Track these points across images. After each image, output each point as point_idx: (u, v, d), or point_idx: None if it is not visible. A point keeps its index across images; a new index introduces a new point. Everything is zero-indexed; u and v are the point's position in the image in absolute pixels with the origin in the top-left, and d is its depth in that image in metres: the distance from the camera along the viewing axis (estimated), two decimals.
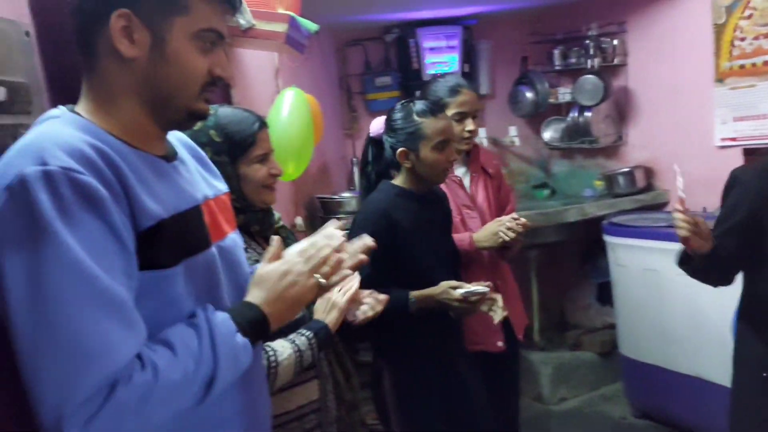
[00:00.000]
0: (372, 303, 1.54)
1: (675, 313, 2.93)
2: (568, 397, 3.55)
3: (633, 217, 3.28)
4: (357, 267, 1.09)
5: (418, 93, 3.64)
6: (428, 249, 1.91)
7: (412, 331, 1.88)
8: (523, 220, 2.08)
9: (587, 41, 3.65)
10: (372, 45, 3.91)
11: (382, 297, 1.57)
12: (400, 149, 1.87)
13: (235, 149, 1.38)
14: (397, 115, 1.90)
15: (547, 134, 4.03)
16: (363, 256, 1.12)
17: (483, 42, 3.99)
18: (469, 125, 2.16)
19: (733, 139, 3.15)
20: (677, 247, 2.84)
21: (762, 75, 2.99)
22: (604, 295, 3.78)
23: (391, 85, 3.86)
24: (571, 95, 3.73)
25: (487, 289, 1.85)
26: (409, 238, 1.85)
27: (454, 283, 1.85)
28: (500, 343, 2.19)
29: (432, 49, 3.76)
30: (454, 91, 2.14)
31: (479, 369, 2.06)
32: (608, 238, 3.25)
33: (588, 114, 3.71)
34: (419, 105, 1.90)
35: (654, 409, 3.17)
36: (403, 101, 1.95)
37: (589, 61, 3.63)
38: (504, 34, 4.05)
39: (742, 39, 3.07)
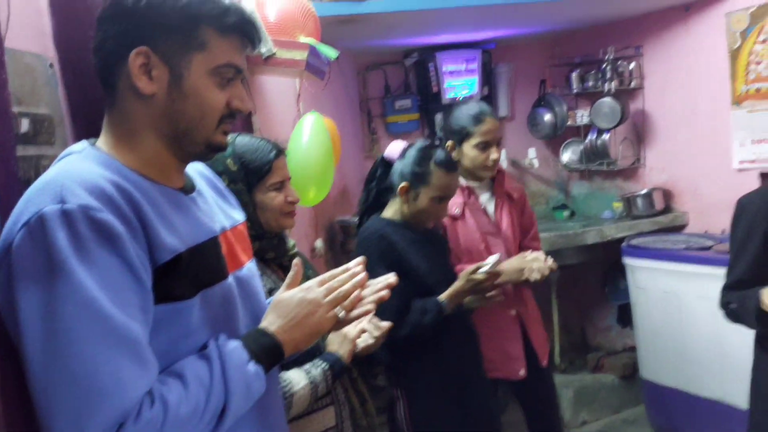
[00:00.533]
0: (370, 329, 1.54)
1: (696, 335, 2.92)
2: (590, 421, 3.52)
3: (652, 239, 3.28)
4: (378, 303, 1.10)
5: (439, 117, 3.75)
6: (432, 267, 1.95)
7: (427, 357, 1.91)
8: (550, 261, 2.08)
9: (604, 65, 3.68)
10: (392, 69, 3.99)
11: (384, 324, 1.56)
12: (403, 184, 1.91)
13: (251, 177, 1.41)
14: (416, 153, 1.94)
15: (566, 156, 4.05)
16: (385, 293, 1.12)
17: (502, 65, 4.04)
18: (494, 154, 2.16)
19: (752, 162, 3.14)
20: (696, 269, 2.86)
21: None
22: (625, 317, 3.77)
23: (411, 108, 3.92)
24: (588, 118, 3.75)
25: (500, 255, 1.95)
26: (411, 257, 1.90)
27: (470, 268, 1.89)
28: (522, 371, 2.20)
29: (451, 72, 3.82)
30: (478, 120, 2.15)
31: (506, 396, 2.07)
32: (627, 260, 3.25)
33: (606, 136, 3.73)
34: (440, 154, 1.93)
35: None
36: (428, 144, 1.99)
37: (606, 84, 3.66)
38: (523, 58, 4.11)
39: (758, 63, 3.08)
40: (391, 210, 1.98)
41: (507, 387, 2.35)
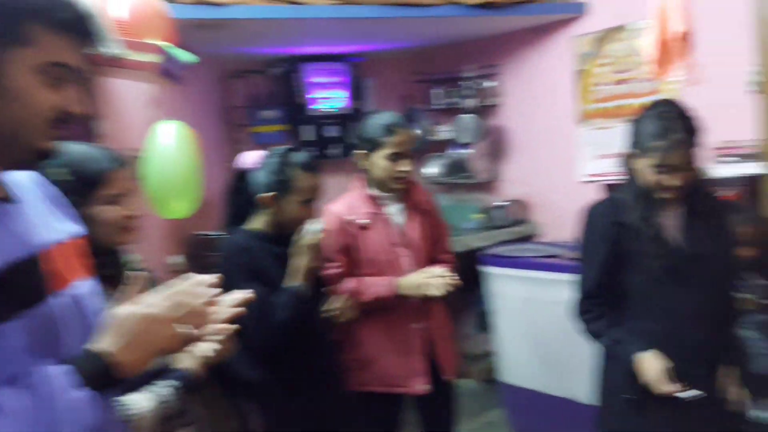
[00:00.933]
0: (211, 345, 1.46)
1: (548, 338, 3.09)
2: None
3: (509, 249, 3.44)
4: (231, 320, 1.05)
5: (307, 129, 3.71)
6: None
7: (281, 369, 1.85)
8: (453, 279, 2.08)
9: (465, 82, 3.84)
10: (257, 78, 3.89)
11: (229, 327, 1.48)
12: (267, 194, 1.86)
13: (82, 188, 1.31)
14: (276, 161, 1.88)
15: (429, 170, 4.17)
16: (239, 309, 1.06)
17: (369, 80, 4.09)
18: (404, 165, 2.13)
19: (597, 175, 3.41)
20: (548, 276, 3.04)
21: (617, 117, 3.28)
22: (485, 323, 3.92)
23: (277, 119, 3.85)
24: (450, 133, 3.88)
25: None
26: (274, 272, 1.84)
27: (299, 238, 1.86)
28: (424, 386, 2.17)
29: (317, 84, 3.80)
30: (390, 130, 2.10)
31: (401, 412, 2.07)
32: (487, 269, 3.39)
33: (467, 151, 3.89)
34: (300, 157, 1.89)
35: None
36: (286, 149, 1.93)
37: (466, 101, 3.82)
38: (388, 73, 4.18)
39: (601, 84, 3.36)
40: (256, 222, 1.91)
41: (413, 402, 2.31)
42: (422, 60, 4.18)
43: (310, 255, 1.85)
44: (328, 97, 3.84)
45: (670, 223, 1.83)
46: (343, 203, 2.21)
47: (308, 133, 3.91)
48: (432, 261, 2.24)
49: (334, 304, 2.05)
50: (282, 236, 1.89)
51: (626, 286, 1.86)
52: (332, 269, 2.12)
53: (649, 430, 1.84)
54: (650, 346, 1.79)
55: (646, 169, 1.77)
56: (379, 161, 2.12)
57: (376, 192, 2.19)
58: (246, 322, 1.31)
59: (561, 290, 2.97)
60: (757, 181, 2.34)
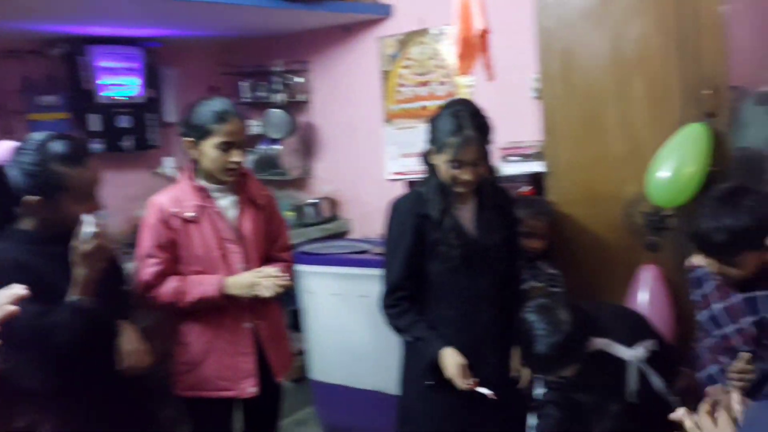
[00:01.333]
0: None
1: (357, 333, 3.13)
2: None
3: (320, 246, 3.43)
4: (5, 319, 1.00)
5: (93, 117, 3.34)
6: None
7: (69, 381, 1.64)
8: (286, 280, 2.02)
9: (274, 76, 3.76)
10: (34, 59, 3.43)
11: None
12: (31, 198, 1.59)
13: None
14: (30, 157, 1.60)
15: None
16: (12, 308, 1.02)
17: (169, 68, 3.82)
18: (236, 156, 2.00)
19: (401, 174, 3.53)
20: (357, 271, 3.08)
21: (420, 117, 3.43)
22: (296, 322, 3.88)
23: (59, 106, 3.43)
24: (259, 128, 3.78)
25: (94, 218, 1.64)
26: (51, 275, 1.62)
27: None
28: (253, 389, 2.07)
29: (107, 69, 3.46)
30: (221, 118, 1.97)
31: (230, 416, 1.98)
32: (298, 267, 3.34)
33: (277, 147, 3.81)
34: (59, 147, 1.62)
35: (343, 426, 3.32)
36: (40, 138, 1.65)
37: (276, 96, 3.74)
38: (191, 62, 3.95)
39: (404, 85, 3.48)
40: (26, 222, 1.65)
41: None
42: (230, 51, 4.02)
43: (88, 265, 1.62)
44: (119, 83, 3.51)
45: (465, 215, 1.95)
46: (169, 194, 2.06)
47: (96, 122, 3.53)
48: (267, 259, 2.16)
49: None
50: (60, 235, 1.64)
51: (427, 275, 1.94)
52: (151, 267, 1.98)
53: (446, 412, 1.94)
54: (448, 331, 1.90)
55: (442, 164, 1.86)
56: (209, 150, 1.99)
57: (205, 183, 2.06)
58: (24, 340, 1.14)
59: (370, 285, 3.02)
60: (541, 179, 2.57)
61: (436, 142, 1.88)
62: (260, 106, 3.85)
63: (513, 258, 2.05)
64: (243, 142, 2.06)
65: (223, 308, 2.03)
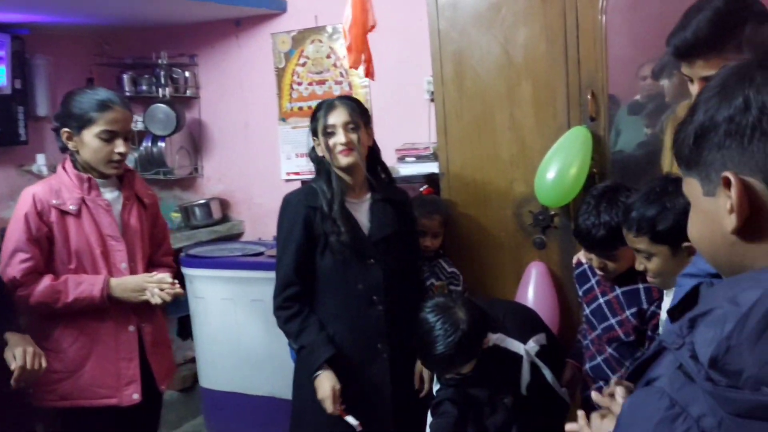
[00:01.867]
0: None
1: (250, 338, 3.04)
2: None
3: (209, 248, 3.30)
4: None
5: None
6: None
7: None
8: (177, 288, 1.94)
9: (158, 69, 3.56)
10: None
11: None
12: None
13: None
14: None
15: None
16: None
17: (39, 57, 3.51)
18: (120, 147, 1.89)
19: (297, 174, 3.47)
20: (251, 274, 2.98)
21: None
22: (185, 330, 3.70)
23: None
24: (143, 123, 3.57)
25: None
26: None
27: None
28: (136, 396, 1.95)
29: None
30: (104, 106, 1.88)
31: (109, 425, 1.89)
32: (186, 270, 3.18)
33: (161, 144, 3.61)
34: None
35: None
36: None
37: (160, 90, 3.54)
38: (65, 51, 3.65)
39: (300, 83, 3.42)
40: None
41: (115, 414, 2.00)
42: (109, 41, 3.75)
43: None
44: None
45: (358, 208, 1.97)
46: (46, 186, 1.91)
47: None
48: (150, 262, 2.07)
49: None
50: None
51: (318, 270, 1.94)
52: (20, 263, 1.83)
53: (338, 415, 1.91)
54: (340, 326, 1.92)
55: (322, 145, 1.92)
56: (91, 141, 1.88)
57: (86, 176, 1.92)
58: None
59: (263, 288, 2.94)
60: (436, 179, 2.61)
61: (315, 128, 1.95)
62: (143, 100, 3.64)
63: (409, 253, 2.07)
64: (127, 132, 1.96)
65: (104, 310, 1.91)
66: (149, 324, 2.02)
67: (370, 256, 1.94)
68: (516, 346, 1.75)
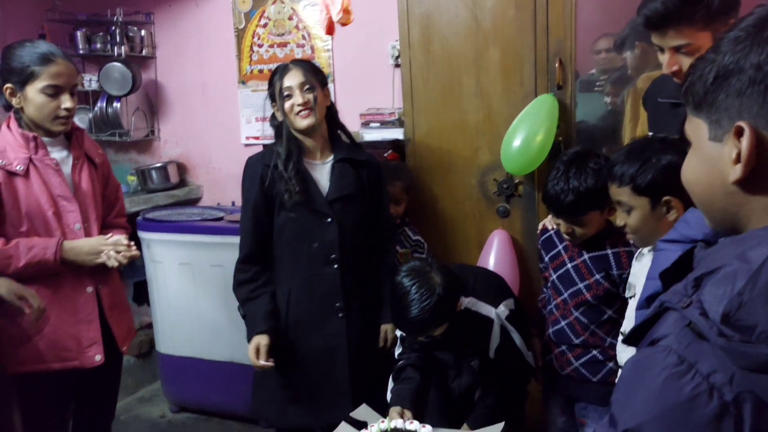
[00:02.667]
0: None
1: (209, 303, 2.99)
2: None
3: (167, 213, 3.22)
4: None
5: None
6: None
7: None
8: (133, 250, 1.90)
9: (113, 27, 3.41)
10: None
11: None
12: None
13: None
14: None
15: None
16: None
17: None
18: (66, 102, 1.81)
19: (257, 138, 3.39)
20: (210, 239, 2.93)
21: None
22: (141, 295, 3.63)
23: None
24: (97, 83, 3.43)
25: None
26: None
27: None
28: (99, 357, 1.91)
29: None
30: (46, 59, 1.79)
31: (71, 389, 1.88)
32: (143, 234, 3.11)
33: (117, 105, 3.48)
34: None
35: (192, 400, 3.18)
36: None
37: (116, 49, 3.40)
38: (15, 6, 3.46)
39: (260, 45, 3.33)
40: None
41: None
42: None
43: None
44: None
45: (319, 168, 1.99)
46: None
47: None
48: (104, 224, 2.02)
49: None
50: None
51: (276, 229, 1.97)
52: None
53: (299, 377, 1.97)
54: (297, 285, 1.97)
55: (281, 108, 1.93)
56: (35, 96, 1.79)
57: (32, 134, 1.84)
58: None
59: (220, 253, 2.90)
60: (402, 146, 2.59)
61: (270, 92, 1.97)
62: (98, 59, 3.49)
63: (373, 216, 2.07)
64: (73, 86, 1.87)
65: (60, 273, 1.85)
66: (106, 286, 1.98)
67: (327, 215, 1.95)
68: (487, 309, 1.76)
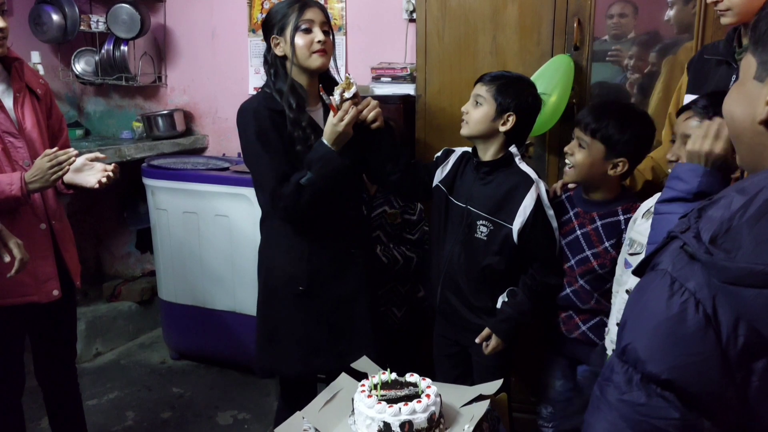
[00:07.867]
0: None
1: (212, 253, 3.00)
2: (104, 351, 3.33)
3: (173, 161, 3.20)
4: None
5: None
6: None
7: None
8: (111, 165, 1.85)
9: None
10: None
11: None
12: None
13: None
14: None
15: (79, 66, 3.57)
16: None
17: None
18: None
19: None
20: (215, 189, 2.91)
21: None
22: (144, 242, 3.63)
23: None
24: (105, 24, 3.36)
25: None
26: None
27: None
28: (56, 292, 1.92)
29: None
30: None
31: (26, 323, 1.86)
32: (148, 181, 3.10)
33: (124, 48, 3.42)
34: None
35: (192, 348, 3.21)
36: None
37: None
38: None
39: None
40: None
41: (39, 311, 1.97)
42: None
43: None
44: None
45: (317, 116, 1.88)
46: None
47: None
48: None
49: None
50: None
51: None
52: None
53: (316, 317, 1.90)
54: (317, 228, 1.86)
55: (290, 42, 1.76)
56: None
57: None
58: None
59: (225, 203, 2.89)
60: (411, 101, 2.54)
61: (276, 24, 1.79)
62: (105, 0, 3.42)
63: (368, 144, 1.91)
64: (2, 5, 1.77)
65: (13, 210, 1.82)
66: (59, 221, 1.97)
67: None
68: (530, 171, 1.83)
